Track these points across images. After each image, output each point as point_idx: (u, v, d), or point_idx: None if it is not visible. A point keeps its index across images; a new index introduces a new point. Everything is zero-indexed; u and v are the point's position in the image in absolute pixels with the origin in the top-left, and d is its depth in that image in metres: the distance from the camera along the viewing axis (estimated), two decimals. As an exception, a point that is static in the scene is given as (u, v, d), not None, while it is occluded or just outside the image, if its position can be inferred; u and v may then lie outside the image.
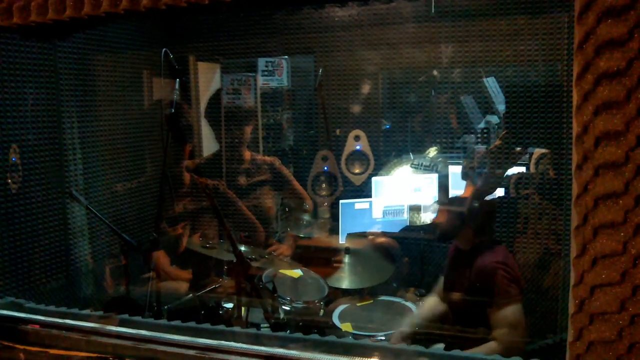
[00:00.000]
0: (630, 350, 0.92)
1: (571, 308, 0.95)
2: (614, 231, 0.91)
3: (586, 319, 0.93)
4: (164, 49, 2.58)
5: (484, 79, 3.25)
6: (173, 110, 2.33)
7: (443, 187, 3.26)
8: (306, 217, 3.43)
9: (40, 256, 2.68)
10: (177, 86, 2.57)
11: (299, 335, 1.56)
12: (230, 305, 2.63)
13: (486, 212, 2.60)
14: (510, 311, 2.35)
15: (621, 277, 0.90)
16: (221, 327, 1.62)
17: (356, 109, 3.60)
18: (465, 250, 2.56)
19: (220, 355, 1.50)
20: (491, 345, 2.34)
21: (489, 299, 2.38)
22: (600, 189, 0.92)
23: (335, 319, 2.65)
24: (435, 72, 3.39)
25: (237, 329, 1.67)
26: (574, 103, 0.96)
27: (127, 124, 3.33)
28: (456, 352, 1.39)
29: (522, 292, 2.43)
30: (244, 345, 1.50)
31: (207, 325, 1.64)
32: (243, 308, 2.48)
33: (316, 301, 2.75)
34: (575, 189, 0.95)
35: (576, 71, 0.94)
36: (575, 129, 0.95)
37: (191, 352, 1.53)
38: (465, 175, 2.77)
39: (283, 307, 2.62)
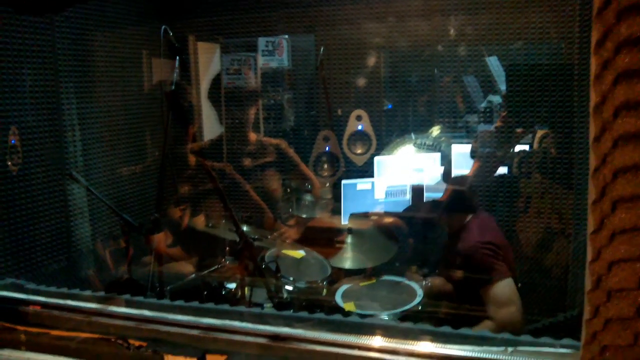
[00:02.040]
0: (648, 328, 0.90)
1: (588, 285, 0.92)
2: (634, 205, 0.88)
3: (603, 295, 0.91)
4: (163, 27, 2.54)
5: (487, 58, 3.20)
6: (173, 88, 2.30)
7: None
8: (308, 197, 3.40)
9: (40, 238, 2.67)
10: (177, 64, 2.52)
11: (304, 314, 1.54)
12: (233, 285, 2.62)
13: (459, 193, 2.67)
14: (500, 287, 2.36)
15: (640, 252, 0.88)
16: (225, 306, 1.60)
17: (358, 88, 3.55)
18: (452, 233, 2.60)
19: (224, 335, 1.48)
20: (485, 323, 2.36)
21: (479, 278, 2.40)
22: (619, 161, 0.89)
23: (338, 299, 2.63)
24: (438, 51, 3.34)
25: (240, 308, 1.65)
26: (592, 72, 0.92)
27: (127, 104, 3.29)
28: (464, 330, 1.37)
29: (511, 266, 2.46)
30: (248, 325, 1.48)
31: (210, 305, 1.62)
32: (246, 288, 2.47)
33: (319, 281, 2.74)
34: (592, 162, 0.91)
35: (595, 39, 0.90)
36: (594, 99, 0.91)
37: (195, 332, 1.51)
38: (474, 154, 2.80)
39: (286, 287, 2.60)
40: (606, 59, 0.89)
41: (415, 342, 1.32)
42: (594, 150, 0.91)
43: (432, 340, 1.33)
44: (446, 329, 1.38)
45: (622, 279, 0.88)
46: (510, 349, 1.24)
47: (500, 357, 1.23)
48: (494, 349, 1.25)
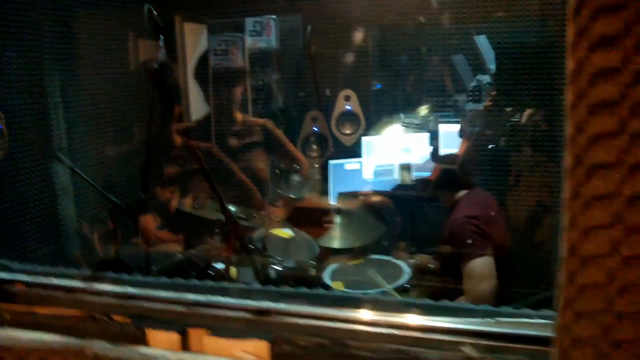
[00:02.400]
0: (621, 294, 0.91)
1: (563, 252, 0.93)
2: (608, 172, 0.88)
3: (577, 262, 0.91)
4: (147, 6, 2.51)
5: (475, 37, 3.19)
6: (157, 66, 2.28)
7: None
8: (296, 178, 3.40)
9: (27, 221, 2.66)
10: (161, 44, 2.50)
11: (288, 288, 1.54)
12: (220, 266, 2.62)
13: (448, 171, 2.71)
14: (476, 264, 2.38)
15: (614, 219, 0.88)
16: (209, 282, 1.61)
17: (346, 68, 3.54)
18: (448, 206, 2.63)
19: (209, 310, 1.48)
20: (460, 299, 2.38)
21: (460, 253, 2.42)
22: (594, 128, 0.89)
23: (326, 278, 2.65)
24: (426, 30, 3.33)
25: (226, 284, 1.65)
26: (568, 40, 0.92)
27: (113, 84, 3.26)
28: (444, 302, 1.39)
29: (500, 243, 2.47)
30: (233, 300, 1.48)
31: (194, 282, 1.62)
32: (233, 268, 2.47)
33: (307, 261, 2.75)
34: (569, 130, 0.91)
35: (572, 6, 0.90)
36: (570, 67, 0.91)
37: (178, 307, 1.51)
38: (462, 133, 2.84)
39: (274, 267, 2.61)
40: (583, 26, 0.89)
41: (398, 314, 1.34)
42: (570, 118, 0.91)
43: (414, 312, 1.34)
44: (427, 301, 1.39)
45: (596, 246, 0.89)
46: (490, 320, 1.25)
47: (480, 328, 1.24)
48: (474, 320, 1.26)
